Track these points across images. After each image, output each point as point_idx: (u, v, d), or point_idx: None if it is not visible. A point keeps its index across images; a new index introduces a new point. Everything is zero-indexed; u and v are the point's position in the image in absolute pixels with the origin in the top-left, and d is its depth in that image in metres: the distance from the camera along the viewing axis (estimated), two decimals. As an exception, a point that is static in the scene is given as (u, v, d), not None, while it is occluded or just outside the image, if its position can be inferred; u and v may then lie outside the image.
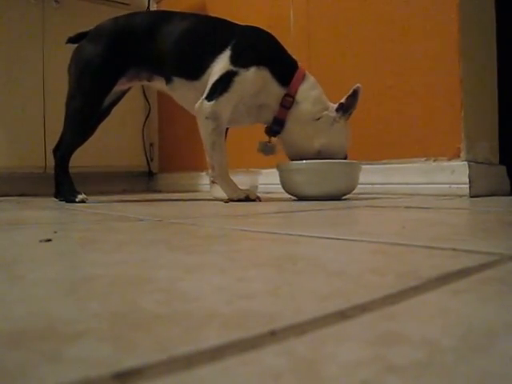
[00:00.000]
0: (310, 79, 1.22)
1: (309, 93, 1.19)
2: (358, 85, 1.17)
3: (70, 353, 0.17)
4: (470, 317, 0.21)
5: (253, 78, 1.16)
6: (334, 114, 1.20)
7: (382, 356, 0.17)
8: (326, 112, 1.19)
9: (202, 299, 0.24)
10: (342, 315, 0.21)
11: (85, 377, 0.15)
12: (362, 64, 1.51)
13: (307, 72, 1.23)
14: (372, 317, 0.21)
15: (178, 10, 1.39)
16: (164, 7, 2.39)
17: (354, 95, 1.17)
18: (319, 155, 1.19)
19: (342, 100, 1.19)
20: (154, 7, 2.43)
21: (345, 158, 1.23)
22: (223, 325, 0.20)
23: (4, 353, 0.17)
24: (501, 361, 0.16)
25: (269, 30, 1.26)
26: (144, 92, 2.40)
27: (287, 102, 1.19)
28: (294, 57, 1.26)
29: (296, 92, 1.19)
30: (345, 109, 1.19)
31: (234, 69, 1.15)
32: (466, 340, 0.18)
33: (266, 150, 1.28)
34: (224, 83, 1.14)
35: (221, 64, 1.16)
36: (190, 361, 0.16)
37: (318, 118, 1.19)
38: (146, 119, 2.45)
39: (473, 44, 1.34)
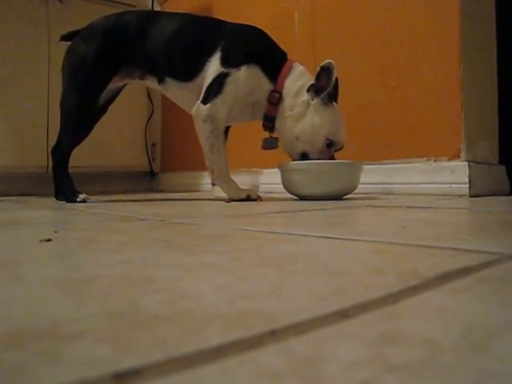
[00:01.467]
0: (297, 70, 1.20)
1: (292, 86, 1.18)
2: (327, 61, 1.13)
3: (70, 353, 0.17)
4: (469, 316, 0.21)
5: (245, 77, 1.16)
6: (307, 97, 1.17)
7: (382, 355, 0.17)
8: (302, 99, 1.17)
9: (203, 299, 0.24)
10: (343, 314, 0.21)
11: (84, 377, 0.15)
12: (366, 66, 1.51)
13: (296, 63, 1.22)
14: (372, 316, 0.21)
15: (182, 12, 1.40)
16: (168, 8, 2.39)
17: (325, 73, 1.14)
18: (299, 142, 1.17)
19: (312, 81, 1.16)
20: (157, 8, 2.44)
21: (330, 145, 1.18)
22: (223, 324, 0.20)
23: (3, 353, 0.17)
24: (500, 360, 0.16)
25: (274, 32, 1.27)
26: (148, 92, 2.40)
27: (274, 98, 1.19)
28: (283, 50, 1.25)
29: (283, 87, 1.19)
30: (317, 89, 1.16)
31: (226, 70, 1.15)
32: (466, 339, 0.18)
33: (269, 144, 1.27)
34: (217, 85, 1.15)
35: (213, 66, 1.17)
36: (190, 361, 0.16)
37: (298, 106, 1.17)
38: (148, 119, 2.45)
39: (473, 45, 1.34)
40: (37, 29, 2.03)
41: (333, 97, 1.18)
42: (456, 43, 1.29)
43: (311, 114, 1.17)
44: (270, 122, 1.21)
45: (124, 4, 2.28)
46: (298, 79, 1.19)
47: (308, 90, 1.17)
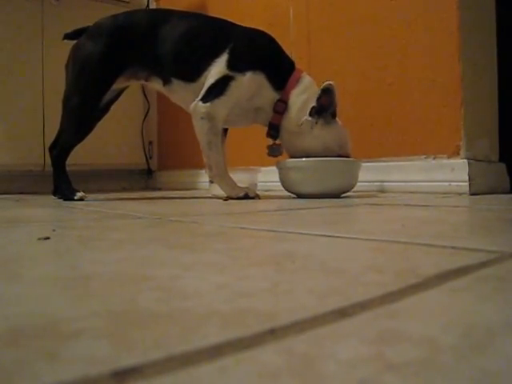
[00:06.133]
0: (304, 82, 1.20)
1: (298, 98, 1.18)
2: (327, 82, 1.14)
3: (69, 351, 0.17)
4: (469, 315, 0.21)
5: (248, 82, 1.16)
6: (311, 119, 1.17)
7: (382, 354, 0.17)
8: (305, 117, 1.17)
9: (201, 297, 0.24)
10: (342, 313, 0.21)
11: (83, 375, 0.15)
12: (362, 62, 1.50)
13: (304, 74, 1.22)
14: (371, 315, 0.21)
15: (177, 9, 1.39)
16: (163, 5, 2.39)
17: (326, 94, 1.15)
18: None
19: (313, 103, 1.17)
20: (153, 5, 2.43)
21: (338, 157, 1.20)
22: (222, 323, 0.20)
23: (2, 351, 0.17)
24: (500, 359, 0.16)
25: (269, 29, 1.26)
26: (143, 90, 2.40)
27: (280, 108, 1.19)
28: (291, 58, 1.25)
29: (289, 97, 1.19)
30: (319, 111, 1.16)
31: (230, 73, 1.15)
32: (466, 338, 0.18)
33: (275, 152, 1.28)
34: (220, 87, 1.15)
35: (218, 68, 1.17)
36: (188, 359, 0.16)
37: (302, 124, 1.18)
38: (145, 117, 2.45)
39: (473, 42, 1.34)
40: (31, 26, 2.02)
41: (334, 114, 1.19)
42: (455, 39, 1.29)
43: (317, 136, 1.17)
44: (274, 131, 1.22)
45: (119, 1, 2.27)
46: (303, 92, 1.19)
47: (310, 113, 1.17)
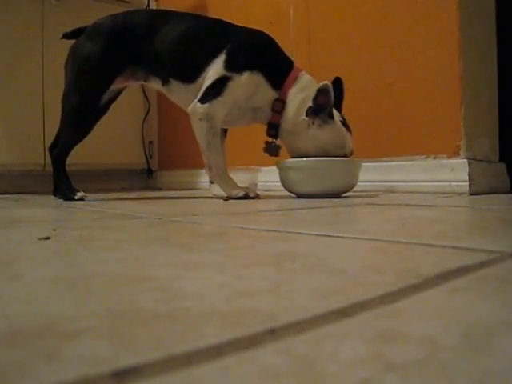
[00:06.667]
0: (302, 80, 1.20)
1: (296, 96, 1.18)
2: (323, 82, 1.13)
3: (69, 351, 0.17)
4: (469, 315, 0.21)
5: (246, 82, 1.16)
6: (307, 119, 1.16)
7: (382, 354, 0.17)
8: (302, 117, 1.17)
9: (201, 297, 0.24)
10: (342, 313, 0.21)
11: (83, 375, 0.15)
12: (362, 61, 1.50)
13: (302, 72, 1.22)
14: (372, 315, 0.21)
15: (177, 9, 1.39)
16: (163, 5, 2.39)
17: (322, 94, 1.13)
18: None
19: (310, 104, 1.16)
20: (153, 5, 2.43)
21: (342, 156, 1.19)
22: (222, 323, 0.20)
23: (2, 351, 0.17)
24: (500, 359, 0.16)
25: (269, 28, 1.26)
26: (143, 89, 2.40)
27: (277, 107, 1.19)
28: (290, 57, 1.25)
29: (286, 96, 1.18)
30: (315, 111, 1.15)
31: (228, 74, 1.16)
32: (466, 338, 0.18)
33: (272, 150, 1.27)
34: (217, 88, 1.15)
35: (215, 68, 1.17)
36: (188, 359, 0.16)
37: (299, 123, 1.17)
38: (145, 116, 2.45)
39: (473, 41, 1.34)
40: (31, 25, 2.02)
41: (332, 114, 1.17)
42: (455, 38, 1.29)
43: (313, 137, 1.17)
44: (274, 130, 1.22)
45: (119, 1, 2.27)
46: (301, 90, 1.19)
47: (307, 114, 1.16)
